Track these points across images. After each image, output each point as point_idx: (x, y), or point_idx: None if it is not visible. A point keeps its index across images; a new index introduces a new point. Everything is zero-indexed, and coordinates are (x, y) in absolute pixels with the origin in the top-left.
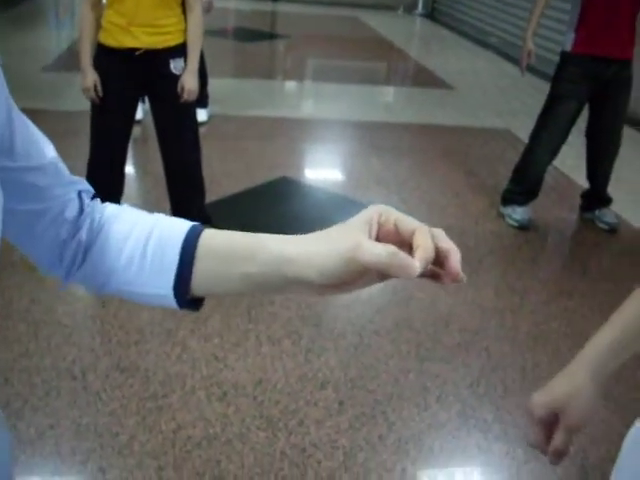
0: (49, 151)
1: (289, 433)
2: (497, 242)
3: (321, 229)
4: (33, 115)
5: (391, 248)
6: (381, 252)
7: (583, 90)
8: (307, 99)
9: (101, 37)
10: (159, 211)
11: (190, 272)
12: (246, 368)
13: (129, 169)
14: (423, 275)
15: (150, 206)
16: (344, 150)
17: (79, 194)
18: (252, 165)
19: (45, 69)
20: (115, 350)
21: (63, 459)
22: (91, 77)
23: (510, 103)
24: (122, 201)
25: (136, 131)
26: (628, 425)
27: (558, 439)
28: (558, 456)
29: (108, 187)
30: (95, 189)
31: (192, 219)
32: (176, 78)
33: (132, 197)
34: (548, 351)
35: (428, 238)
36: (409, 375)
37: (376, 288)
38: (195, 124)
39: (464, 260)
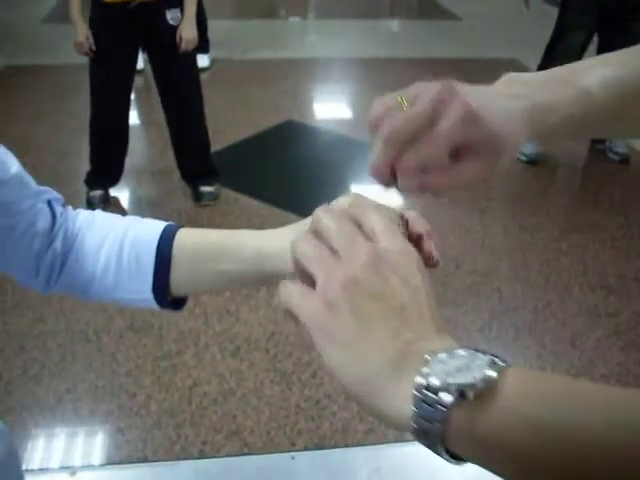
0: (12, 165)
1: (303, 386)
2: (505, 179)
3: (328, 172)
4: (35, 72)
5: None
6: None
7: (592, 19)
8: (310, 38)
9: None
10: (165, 162)
11: (167, 274)
12: (258, 321)
13: (133, 120)
14: None
15: (155, 157)
16: (348, 89)
17: (49, 203)
18: (257, 110)
19: (44, 20)
20: (127, 310)
21: (82, 422)
22: (82, 31)
23: (519, 31)
24: (127, 154)
25: (138, 81)
26: None
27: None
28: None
29: (112, 142)
30: (99, 145)
31: (198, 170)
32: (173, 29)
33: (136, 149)
34: (559, 289)
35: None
36: None
37: None
38: (196, 74)
39: (472, 198)
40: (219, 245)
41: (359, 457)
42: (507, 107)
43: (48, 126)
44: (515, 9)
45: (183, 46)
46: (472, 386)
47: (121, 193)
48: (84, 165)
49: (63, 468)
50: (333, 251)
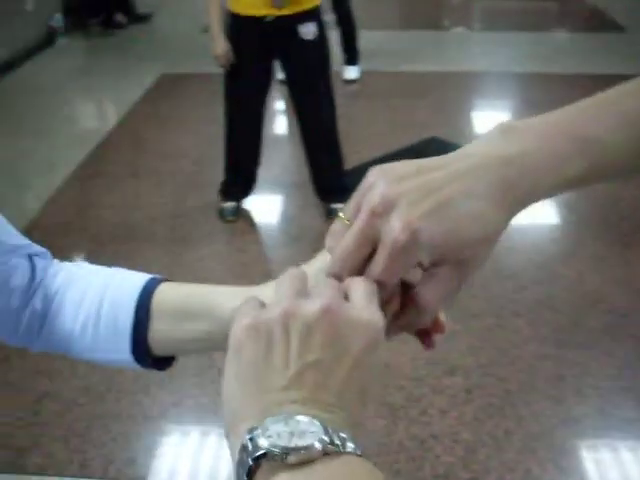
0: None
1: (410, 422)
2: None
3: None
4: (189, 79)
5: None
6: None
7: None
8: (463, 51)
9: (231, 5)
10: (301, 175)
11: (145, 335)
12: None
13: (274, 130)
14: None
15: (292, 170)
16: (498, 106)
17: (29, 258)
18: (400, 125)
19: (204, 30)
20: None
21: (182, 439)
22: (221, 44)
23: None
24: (265, 165)
25: (283, 91)
26: None
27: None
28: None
29: (244, 154)
30: (232, 157)
31: (330, 186)
32: (307, 44)
33: (275, 160)
34: None
35: None
36: (545, 362)
37: (519, 265)
38: (330, 90)
39: (615, 227)
40: (198, 305)
41: None
42: (476, 188)
43: (193, 134)
44: None
45: None
46: (287, 450)
47: (253, 205)
48: (221, 175)
49: None
50: (305, 292)
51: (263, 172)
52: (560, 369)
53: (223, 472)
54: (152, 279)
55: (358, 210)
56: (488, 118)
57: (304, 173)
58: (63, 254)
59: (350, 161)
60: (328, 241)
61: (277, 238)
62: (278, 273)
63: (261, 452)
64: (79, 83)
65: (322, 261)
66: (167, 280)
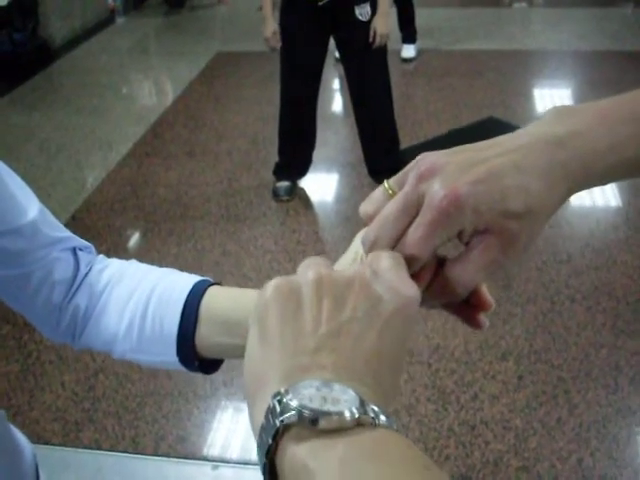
0: (30, 210)
1: (460, 408)
2: None
3: None
4: (243, 58)
5: None
6: None
7: None
8: (524, 28)
9: None
10: (356, 155)
11: (192, 339)
12: (425, 332)
13: (330, 110)
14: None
15: (347, 149)
16: (560, 86)
17: (74, 251)
18: (457, 104)
19: (259, 8)
20: None
21: (233, 417)
22: (271, 27)
23: None
24: (320, 145)
25: (341, 69)
26: None
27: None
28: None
29: (298, 135)
30: (286, 137)
31: (383, 166)
32: (362, 24)
33: (330, 140)
34: None
35: None
36: (601, 350)
37: (576, 249)
38: (386, 70)
39: None
40: (247, 312)
41: None
42: (524, 163)
43: (248, 113)
44: None
45: (378, 40)
46: (319, 414)
47: (308, 185)
48: (276, 155)
49: (206, 460)
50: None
51: (318, 152)
52: (616, 358)
53: None
54: (201, 281)
55: (404, 181)
56: (549, 98)
57: (359, 153)
58: (119, 232)
59: (406, 141)
60: (364, 205)
61: (331, 218)
62: (332, 253)
63: (291, 413)
64: (136, 62)
65: (349, 258)
66: (216, 283)
